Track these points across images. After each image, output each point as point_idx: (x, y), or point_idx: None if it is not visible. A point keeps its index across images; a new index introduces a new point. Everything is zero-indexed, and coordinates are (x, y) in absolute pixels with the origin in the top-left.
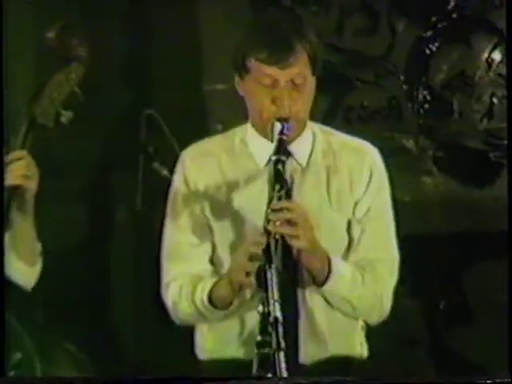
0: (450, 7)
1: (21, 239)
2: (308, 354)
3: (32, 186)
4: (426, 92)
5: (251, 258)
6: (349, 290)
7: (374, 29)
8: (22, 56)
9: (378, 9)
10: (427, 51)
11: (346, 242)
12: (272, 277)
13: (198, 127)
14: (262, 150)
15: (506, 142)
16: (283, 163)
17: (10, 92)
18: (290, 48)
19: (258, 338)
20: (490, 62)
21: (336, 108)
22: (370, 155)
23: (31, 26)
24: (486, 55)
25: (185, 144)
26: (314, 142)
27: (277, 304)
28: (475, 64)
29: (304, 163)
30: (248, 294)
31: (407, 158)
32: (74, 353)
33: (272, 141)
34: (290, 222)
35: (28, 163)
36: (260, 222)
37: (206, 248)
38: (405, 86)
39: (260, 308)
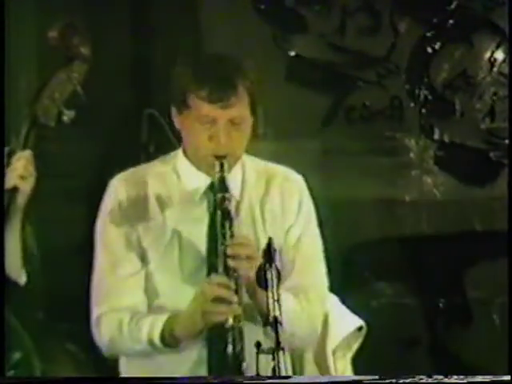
0: (452, 7)
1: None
2: None
3: (25, 187)
4: (427, 92)
5: (217, 300)
6: (293, 321)
7: (377, 28)
8: (24, 55)
9: (381, 8)
10: (429, 51)
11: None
12: (272, 277)
13: None
14: (196, 181)
15: (507, 141)
16: (229, 200)
17: (12, 91)
18: (232, 87)
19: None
20: (492, 62)
21: (338, 107)
22: (300, 184)
23: (33, 24)
24: (488, 55)
25: None
26: (244, 173)
27: (276, 304)
28: (477, 63)
29: (237, 196)
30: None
31: (408, 158)
32: (73, 352)
33: (207, 174)
34: (248, 258)
35: (25, 163)
36: (201, 251)
37: (141, 278)
38: (407, 86)
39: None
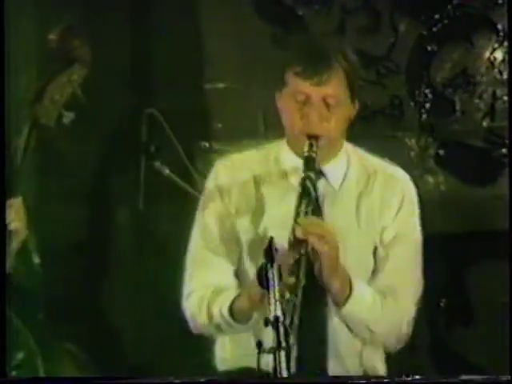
0: (451, 6)
1: None
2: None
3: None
4: (427, 91)
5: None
6: (367, 313)
7: (376, 28)
8: (25, 57)
9: (380, 8)
10: (429, 50)
11: (371, 267)
12: (273, 277)
13: (200, 126)
14: (296, 168)
15: (507, 140)
16: (311, 180)
17: (13, 93)
18: (327, 63)
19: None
20: (491, 61)
21: None
22: (404, 183)
23: (34, 27)
24: (487, 54)
25: (186, 143)
26: (349, 167)
27: (278, 303)
28: (477, 62)
29: (337, 187)
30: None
31: (409, 157)
32: (76, 353)
33: (301, 156)
34: (317, 236)
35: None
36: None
37: (233, 260)
38: (407, 85)
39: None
